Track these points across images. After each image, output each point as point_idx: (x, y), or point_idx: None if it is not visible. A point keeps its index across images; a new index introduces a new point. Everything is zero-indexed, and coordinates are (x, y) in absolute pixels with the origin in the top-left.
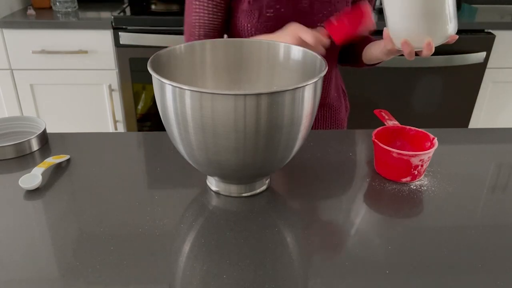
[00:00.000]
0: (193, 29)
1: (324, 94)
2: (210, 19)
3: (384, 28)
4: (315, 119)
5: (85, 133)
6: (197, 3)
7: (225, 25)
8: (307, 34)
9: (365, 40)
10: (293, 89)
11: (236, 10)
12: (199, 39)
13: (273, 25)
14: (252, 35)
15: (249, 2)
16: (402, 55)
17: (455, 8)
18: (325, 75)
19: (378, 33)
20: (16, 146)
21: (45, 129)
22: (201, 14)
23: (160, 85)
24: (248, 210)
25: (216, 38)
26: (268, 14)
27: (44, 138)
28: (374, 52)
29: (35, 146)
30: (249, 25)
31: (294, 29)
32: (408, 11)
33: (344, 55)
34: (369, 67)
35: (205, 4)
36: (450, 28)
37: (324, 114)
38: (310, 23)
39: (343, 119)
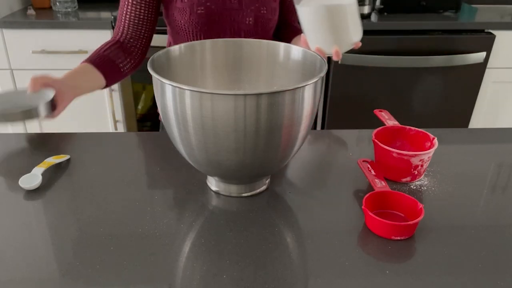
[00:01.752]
0: (120, 22)
1: None
2: (137, 15)
3: (302, 34)
4: None
5: (85, 133)
6: None
7: (156, 22)
8: None
9: (293, 30)
10: (293, 89)
11: (169, 7)
12: (127, 34)
13: (205, 22)
14: (187, 31)
15: (181, 0)
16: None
17: (359, 18)
18: None
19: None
20: (24, 113)
21: (53, 98)
22: (128, 11)
23: (160, 85)
24: (248, 210)
25: (145, 35)
26: (199, 11)
27: (52, 106)
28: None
29: (42, 113)
30: (182, 21)
31: None
32: (316, 25)
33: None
34: None
35: (133, 1)
36: (353, 37)
37: None
38: (239, 19)
39: None
